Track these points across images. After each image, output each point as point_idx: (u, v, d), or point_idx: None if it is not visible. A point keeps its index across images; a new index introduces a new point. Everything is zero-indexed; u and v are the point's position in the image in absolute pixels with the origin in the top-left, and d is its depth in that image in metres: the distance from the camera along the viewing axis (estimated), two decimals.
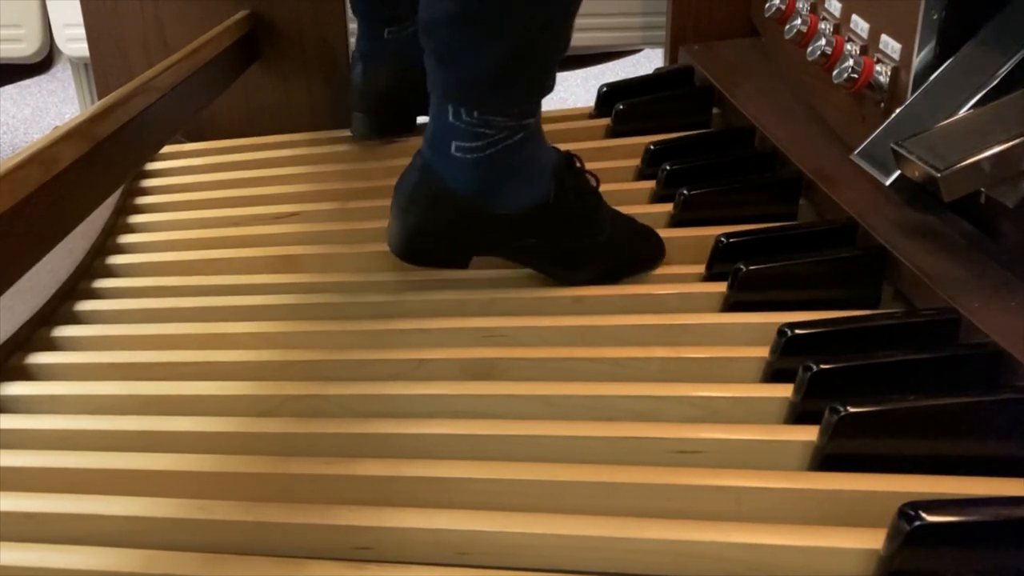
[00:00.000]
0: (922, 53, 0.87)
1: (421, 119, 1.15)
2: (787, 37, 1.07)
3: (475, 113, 0.79)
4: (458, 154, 0.81)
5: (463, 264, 0.88)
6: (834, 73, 0.95)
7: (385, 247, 0.87)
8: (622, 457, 0.68)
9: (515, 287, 0.89)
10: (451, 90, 0.79)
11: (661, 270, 0.91)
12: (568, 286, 0.88)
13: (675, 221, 0.98)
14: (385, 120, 1.17)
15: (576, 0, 0.79)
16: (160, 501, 0.67)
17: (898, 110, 0.88)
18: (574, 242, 0.87)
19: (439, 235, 0.85)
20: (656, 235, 0.92)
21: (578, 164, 0.87)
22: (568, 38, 0.81)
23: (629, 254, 0.90)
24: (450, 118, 0.80)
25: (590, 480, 0.65)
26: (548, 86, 0.82)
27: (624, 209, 1.00)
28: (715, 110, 1.19)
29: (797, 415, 0.70)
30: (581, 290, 0.87)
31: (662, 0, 1.38)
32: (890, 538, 0.56)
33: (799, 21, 1.06)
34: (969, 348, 0.71)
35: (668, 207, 0.99)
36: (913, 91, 0.88)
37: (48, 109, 2.44)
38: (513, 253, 0.88)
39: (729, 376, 0.76)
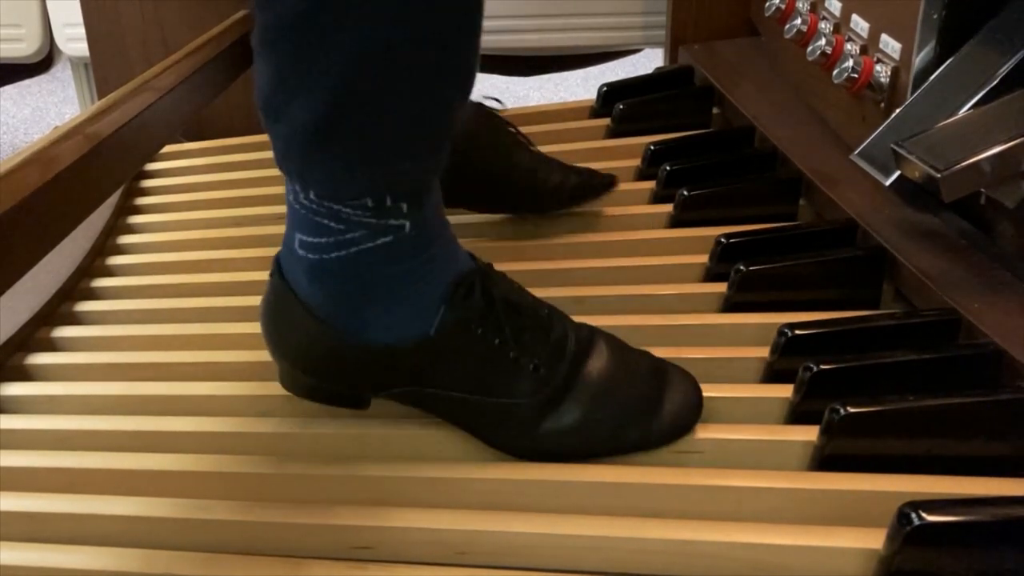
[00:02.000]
0: (922, 53, 0.87)
1: None
2: (787, 37, 1.07)
3: (311, 194, 0.58)
4: (301, 251, 0.61)
5: (357, 404, 0.68)
6: (834, 73, 0.95)
7: None
8: (622, 457, 0.68)
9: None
10: (277, 153, 0.59)
11: (662, 270, 0.90)
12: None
13: (675, 221, 0.98)
14: None
15: (438, 53, 0.56)
16: (160, 501, 0.67)
17: (898, 110, 0.88)
18: (490, 399, 0.63)
19: (306, 365, 0.65)
20: (686, 388, 0.66)
21: (493, 284, 0.63)
22: (437, 108, 0.58)
23: (600, 422, 0.63)
24: (291, 197, 0.61)
25: (590, 480, 0.65)
26: (412, 176, 0.59)
27: (624, 209, 1.00)
28: (715, 110, 1.19)
29: (797, 415, 0.70)
30: (581, 290, 0.87)
31: (662, 0, 1.38)
32: (890, 538, 0.56)
33: (799, 21, 1.06)
34: (969, 348, 0.71)
35: (668, 207, 0.99)
36: (913, 91, 0.88)
37: (48, 109, 2.44)
38: (422, 405, 0.67)
39: (729, 376, 0.76)
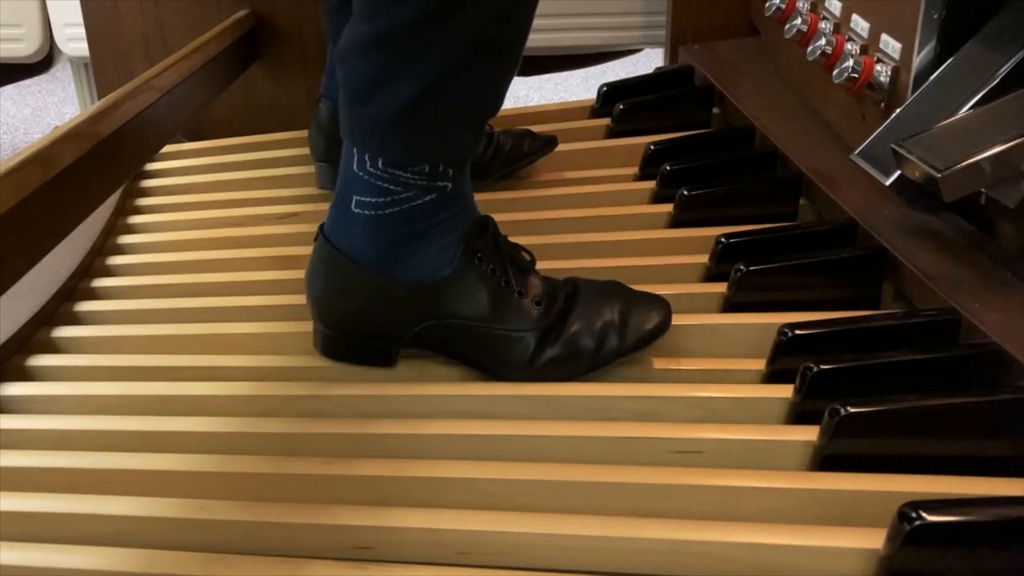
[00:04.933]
0: (922, 53, 0.87)
1: None
2: (787, 37, 1.07)
3: (380, 163, 0.72)
4: (357, 210, 0.74)
5: (386, 358, 0.79)
6: (834, 73, 0.95)
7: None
8: (622, 457, 0.69)
9: None
10: (357, 130, 0.72)
11: (662, 270, 0.90)
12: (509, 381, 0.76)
13: (675, 221, 0.98)
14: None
15: (506, 47, 0.71)
16: (160, 501, 0.67)
17: (898, 110, 0.88)
18: (492, 328, 0.75)
19: (346, 312, 0.77)
20: (660, 306, 0.78)
21: (493, 231, 0.77)
22: (495, 89, 0.73)
23: (588, 347, 0.75)
24: (354, 166, 0.73)
25: (590, 480, 0.65)
26: (469, 146, 0.74)
27: (624, 209, 1.00)
28: (715, 110, 1.19)
29: (797, 415, 0.70)
30: None
31: (662, 0, 1.38)
32: (890, 538, 0.56)
33: (799, 21, 1.06)
34: (969, 348, 0.71)
35: (668, 207, 0.99)
36: (913, 91, 0.88)
37: (48, 109, 2.44)
38: (437, 342, 0.78)
39: (729, 376, 0.76)
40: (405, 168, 0.72)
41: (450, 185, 0.74)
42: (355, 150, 0.73)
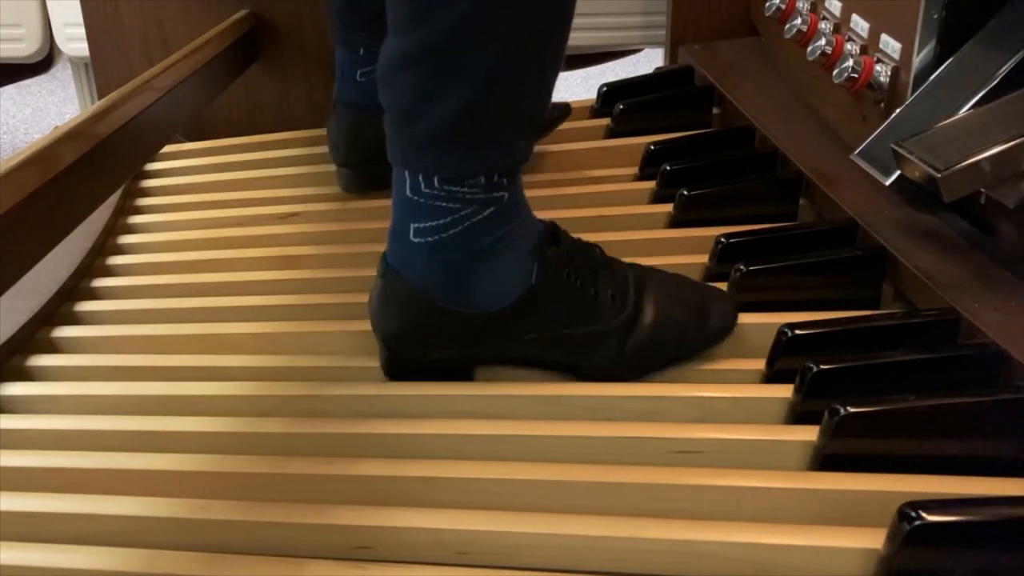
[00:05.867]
0: (922, 53, 0.87)
1: None
2: (787, 37, 1.07)
3: (435, 181, 0.69)
4: (417, 239, 0.71)
5: (466, 375, 0.78)
6: (834, 73, 0.95)
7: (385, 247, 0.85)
8: (622, 457, 0.69)
9: None
10: (408, 151, 0.70)
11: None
12: (594, 380, 0.76)
13: (675, 221, 0.98)
14: (368, 173, 1.08)
15: (553, 40, 0.69)
16: (160, 501, 0.67)
17: (898, 110, 0.88)
18: (586, 326, 0.74)
19: (418, 347, 0.75)
20: (723, 299, 0.78)
21: (564, 235, 0.76)
22: (544, 88, 0.71)
23: (669, 335, 0.76)
24: (407, 191, 0.71)
25: (590, 480, 0.65)
26: (521, 150, 0.71)
27: (624, 209, 1.00)
28: (715, 110, 1.19)
29: (797, 415, 0.70)
30: None
31: (662, 0, 1.38)
32: (890, 538, 0.56)
33: (799, 21, 1.06)
34: (969, 348, 0.71)
35: (668, 207, 0.99)
36: (913, 91, 0.88)
37: (48, 109, 2.44)
38: (523, 358, 0.77)
39: (729, 376, 0.76)
40: (461, 183, 0.70)
41: (507, 195, 0.71)
42: (407, 174, 0.71)
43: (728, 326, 0.78)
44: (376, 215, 1.03)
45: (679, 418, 0.72)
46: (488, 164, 0.70)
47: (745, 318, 0.81)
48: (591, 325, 0.74)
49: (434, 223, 0.71)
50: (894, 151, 0.79)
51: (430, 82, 0.67)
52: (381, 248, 0.89)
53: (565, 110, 1.15)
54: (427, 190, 0.70)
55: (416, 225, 0.71)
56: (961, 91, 0.82)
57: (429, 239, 0.71)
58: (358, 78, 1.05)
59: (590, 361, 0.75)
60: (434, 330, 0.74)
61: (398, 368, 0.78)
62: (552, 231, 0.75)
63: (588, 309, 0.74)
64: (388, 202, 0.85)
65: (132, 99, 0.93)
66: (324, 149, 1.22)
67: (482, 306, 0.73)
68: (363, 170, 1.09)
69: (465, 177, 0.70)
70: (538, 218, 0.76)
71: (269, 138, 1.29)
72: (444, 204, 0.70)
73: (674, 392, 0.73)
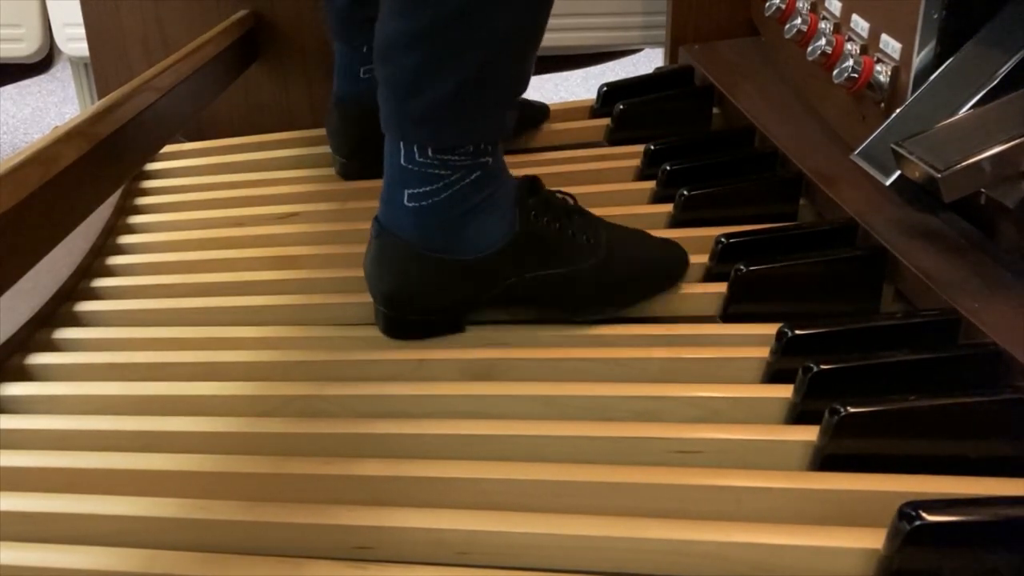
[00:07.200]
0: (922, 53, 0.87)
1: None
2: (787, 37, 1.07)
3: (429, 151, 0.75)
4: (411, 204, 0.77)
5: (456, 325, 0.83)
6: (834, 73, 0.95)
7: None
8: (622, 457, 0.69)
9: None
10: (405, 124, 0.75)
11: None
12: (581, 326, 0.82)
13: (675, 221, 0.98)
14: (369, 164, 1.10)
15: (541, 22, 0.75)
16: (160, 501, 0.67)
17: (898, 110, 0.88)
18: (560, 271, 0.81)
19: (415, 299, 0.81)
20: (677, 247, 0.87)
21: (541, 186, 0.82)
22: (528, 67, 0.77)
23: (638, 272, 0.84)
24: (402, 160, 0.76)
25: (590, 480, 0.65)
26: (507, 121, 0.78)
27: (624, 209, 1.00)
28: (715, 110, 1.19)
29: (797, 415, 0.70)
30: None
31: (662, 0, 1.38)
32: (890, 538, 0.56)
33: (799, 20, 1.06)
34: (969, 348, 0.71)
35: (668, 207, 0.99)
36: (913, 91, 0.88)
37: (48, 109, 2.44)
38: (504, 301, 0.83)
39: (729, 376, 0.76)
40: (453, 151, 0.76)
41: (491, 160, 0.78)
42: (401, 144, 0.76)
43: (684, 263, 0.86)
44: (375, 215, 1.03)
45: (679, 418, 0.72)
46: (478, 136, 0.76)
47: (745, 317, 0.81)
48: (570, 265, 0.81)
49: (426, 188, 0.77)
50: (894, 151, 0.79)
51: (428, 62, 0.72)
52: None
53: (544, 111, 1.18)
54: (421, 159, 0.76)
55: (409, 191, 0.77)
56: (961, 91, 0.82)
57: (422, 203, 0.77)
58: (361, 75, 1.08)
59: (573, 297, 0.82)
60: (428, 279, 0.79)
61: (396, 326, 0.83)
62: (531, 182, 0.81)
63: (565, 249, 0.81)
64: None
65: (132, 99, 0.92)
66: (324, 149, 1.22)
67: (471, 252, 0.79)
68: (363, 160, 1.12)
69: (457, 147, 0.75)
70: (513, 176, 0.82)
71: (269, 138, 1.29)
72: (436, 171, 0.76)
73: (674, 392, 0.73)
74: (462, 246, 0.79)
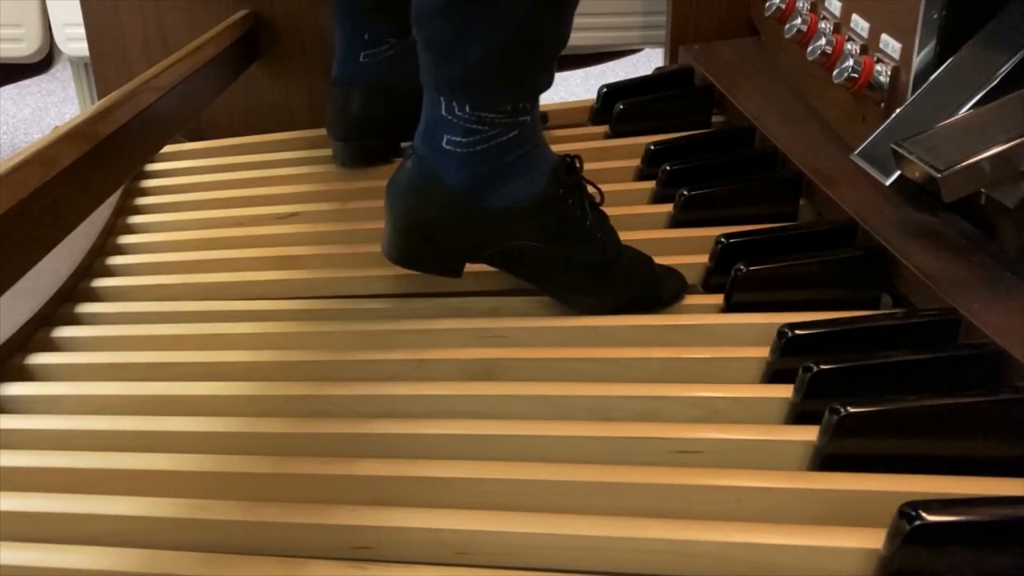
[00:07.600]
0: (922, 53, 0.87)
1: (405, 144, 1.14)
2: (787, 37, 1.07)
3: (467, 108, 0.78)
4: (449, 147, 0.80)
5: (455, 269, 0.85)
6: (834, 73, 0.95)
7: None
8: (622, 457, 0.68)
9: (516, 287, 0.89)
10: (443, 83, 0.78)
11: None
12: (577, 314, 0.84)
13: (675, 221, 0.98)
14: (367, 147, 1.14)
15: None
16: (160, 501, 0.67)
17: (898, 110, 0.88)
18: (569, 250, 0.82)
19: (430, 230, 0.82)
20: (679, 277, 0.87)
21: (579, 166, 0.84)
22: (566, 30, 0.79)
23: (634, 285, 0.85)
24: (442, 111, 0.79)
25: (590, 480, 0.65)
26: (544, 83, 0.81)
27: (624, 209, 1.00)
28: (715, 110, 1.19)
29: (797, 415, 0.70)
30: None
31: (662, 0, 1.38)
32: (890, 538, 0.56)
33: (799, 21, 1.06)
34: (969, 348, 0.71)
35: (668, 207, 0.99)
36: (913, 91, 0.88)
37: (48, 109, 2.44)
38: (507, 260, 0.84)
39: (729, 376, 0.76)
40: (491, 110, 0.78)
41: (528, 119, 0.80)
42: (442, 98, 0.78)
43: (681, 293, 0.87)
44: (376, 216, 1.03)
45: (679, 418, 0.72)
46: (516, 96, 0.78)
47: (746, 318, 0.81)
48: (576, 252, 0.83)
49: (464, 139, 0.79)
50: (894, 151, 0.79)
51: (463, 28, 0.75)
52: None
53: (542, 119, 1.16)
54: (460, 113, 0.78)
55: (449, 137, 0.79)
56: (961, 91, 0.82)
57: (458, 150, 0.80)
58: (361, 59, 1.10)
59: (561, 285, 0.84)
60: (446, 213, 0.81)
61: (409, 257, 0.85)
62: (572, 162, 0.83)
63: (578, 235, 0.83)
64: None
65: (132, 99, 0.92)
66: (324, 150, 1.22)
67: (498, 203, 0.81)
68: (360, 144, 1.13)
69: (496, 106, 0.78)
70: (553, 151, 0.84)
71: (269, 138, 1.29)
72: (474, 126, 0.78)
73: (674, 392, 0.73)
74: (489, 194, 0.81)
